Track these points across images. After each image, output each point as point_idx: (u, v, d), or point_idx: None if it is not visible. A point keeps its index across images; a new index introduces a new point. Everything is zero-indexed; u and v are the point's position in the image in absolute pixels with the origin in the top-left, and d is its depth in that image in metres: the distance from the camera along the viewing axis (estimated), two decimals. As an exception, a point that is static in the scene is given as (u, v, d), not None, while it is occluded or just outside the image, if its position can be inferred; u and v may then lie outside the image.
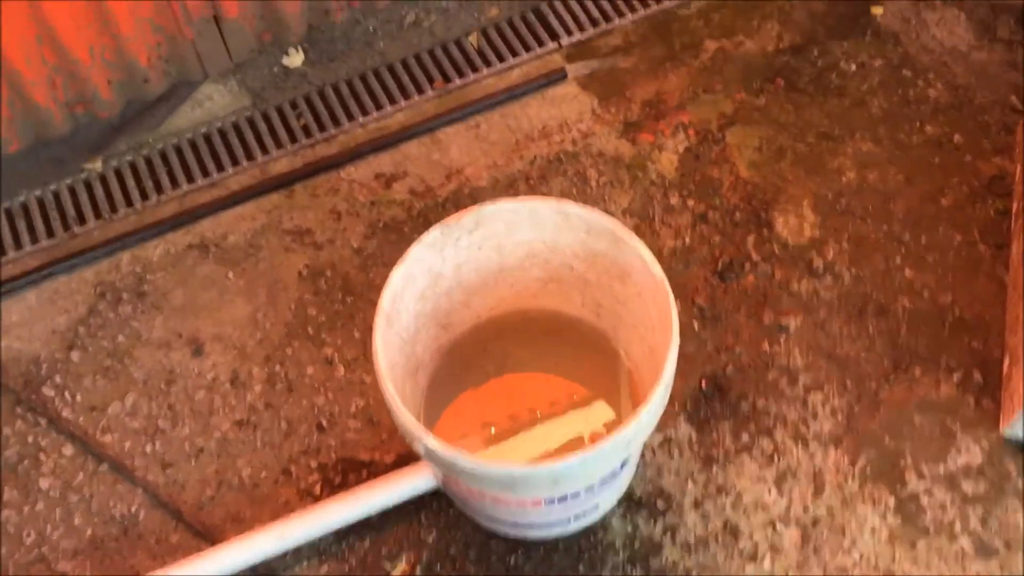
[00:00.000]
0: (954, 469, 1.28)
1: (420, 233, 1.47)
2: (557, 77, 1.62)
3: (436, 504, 1.28)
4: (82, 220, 1.53)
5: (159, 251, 1.49)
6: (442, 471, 1.05)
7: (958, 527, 1.24)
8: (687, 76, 1.62)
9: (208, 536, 1.28)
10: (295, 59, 1.65)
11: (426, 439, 1.00)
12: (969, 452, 1.29)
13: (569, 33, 1.67)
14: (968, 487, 1.26)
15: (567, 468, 0.98)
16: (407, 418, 1.00)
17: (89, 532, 1.29)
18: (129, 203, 1.54)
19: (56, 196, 1.55)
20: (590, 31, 1.67)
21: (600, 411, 1.28)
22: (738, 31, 1.66)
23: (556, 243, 1.18)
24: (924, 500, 1.26)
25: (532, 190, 1.51)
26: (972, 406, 1.32)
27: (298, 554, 1.26)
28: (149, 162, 1.58)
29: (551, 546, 1.26)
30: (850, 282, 1.42)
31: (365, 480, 1.31)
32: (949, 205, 1.47)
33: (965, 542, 1.23)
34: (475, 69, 1.65)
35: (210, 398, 1.37)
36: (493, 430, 1.27)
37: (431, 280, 1.15)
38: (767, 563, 1.23)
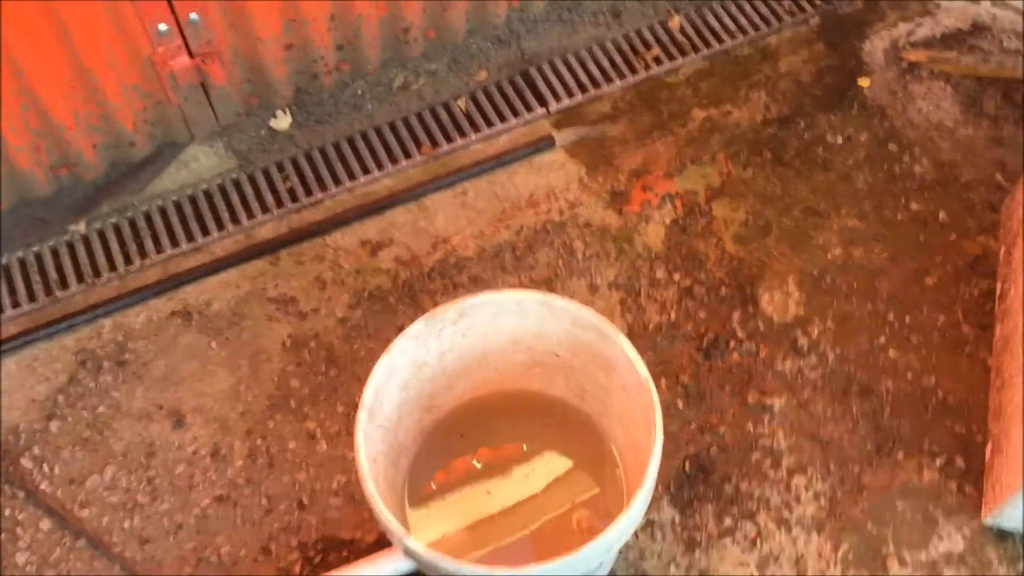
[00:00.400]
0: (936, 557, 1.28)
1: (405, 304, 1.49)
2: (545, 144, 1.62)
3: (417, 585, 1.28)
4: (64, 284, 1.51)
5: (142, 318, 1.48)
6: (423, 570, 1.04)
7: (939, 616, 1.24)
8: (674, 145, 1.62)
9: (186, 615, 1.27)
10: (282, 122, 1.64)
11: (406, 540, 0.99)
12: (951, 539, 1.29)
13: (557, 99, 1.67)
14: (949, 574, 1.26)
15: (548, 571, 0.97)
16: (387, 519, 0.99)
17: (65, 609, 1.28)
18: (112, 267, 1.53)
19: (39, 258, 1.54)
20: (578, 97, 1.68)
21: (584, 484, 1.28)
22: (726, 100, 1.66)
23: (541, 331, 1.17)
24: (906, 588, 1.26)
25: (518, 261, 1.51)
26: (954, 492, 1.32)
27: (276, 635, 1.25)
28: (133, 224, 1.57)
29: (532, 630, 1.25)
30: (834, 362, 1.42)
31: (345, 559, 1.30)
32: (933, 284, 1.47)
33: (946, 632, 1.23)
34: (463, 134, 1.65)
35: (190, 472, 1.36)
36: (477, 507, 1.26)
37: (414, 369, 1.15)
38: (749, 650, 1.23)
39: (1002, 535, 1.28)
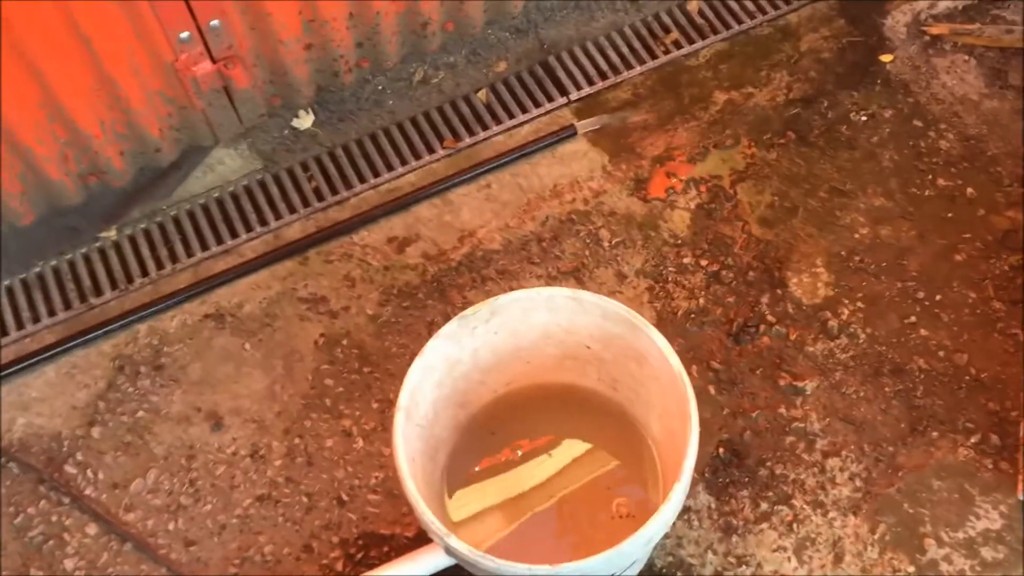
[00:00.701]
0: (973, 535, 1.28)
1: (434, 299, 1.50)
2: (567, 134, 1.62)
3: (457, 578, 1.29)
4: (98, 291, 1.54)
5: (176, 322, 1.50)
6: (465, 567, 1.06)
7: (978, 594, 1.25)
8: (697, 130, 1.62)
9: (232, 614, 1.30)
10: (305, 121, 1.65)
11: (448, 540, 1.00)
12: (988, 517, 1.29)
13: (578, 87, 1.67)
14: (987, 553, 1.27)
15: (588, 567, 0.98)
16: (430, 519, 1.01)
17: (115, 611, 1.31)
18: (145, 272, 1.55)
19: (72, 266, 1.56)
20: (599, 84, 1.67)
21: (619, 472, 1.29)
22: (747, 82, 1.66)
23: (572, 325, 1.18)
24: (944, 567, 1.26)
25: (545, 252, 1.52)
26: (990, 469, 1.32)
27: (322, 630, 1.27)
28: (163, 229, 1.58)
29: (573, 618, 1.26)
30: (865, 342, 1.42)
31: (386, 555, 1.32)
32: (963, 261, 1.47)
33: (986, 609, 1.24)
34: (484, 126, 1.65)
35: (231, 473, 1.38)
36: (514, 497, 1.28)
37: (448, 367, 1.16)
38: (788, 633, 1.24)
39: (1039, 511, 1.29)
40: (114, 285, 1.54)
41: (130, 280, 1.54)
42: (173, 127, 1.53)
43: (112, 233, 1.58)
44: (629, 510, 1.25)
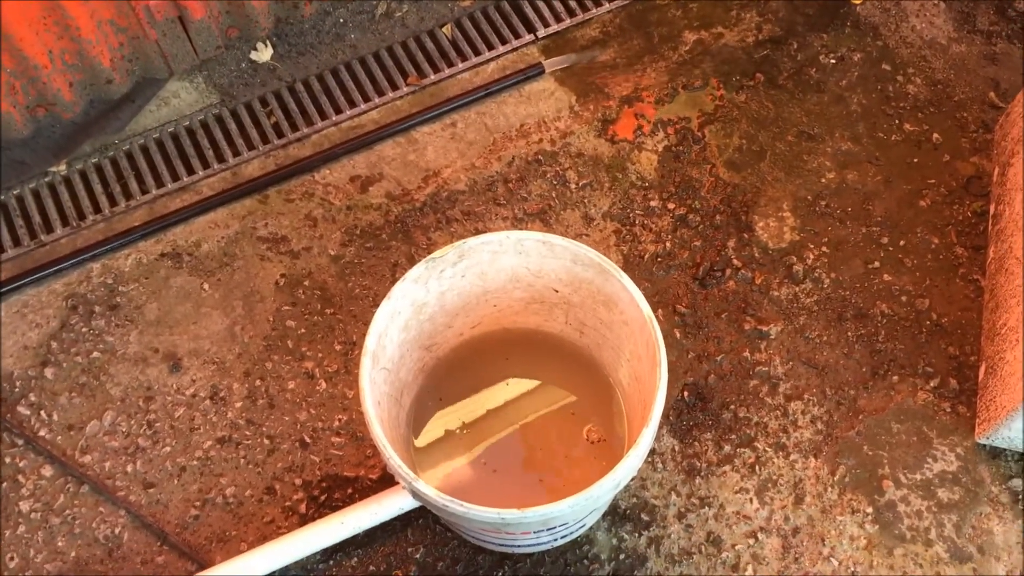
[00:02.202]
0: (930, 476, 1.31)
1: (398, 240, 1.47)
2: (534, 72, 1.59)
3: (422, 520, 1.29)
4: (49, 228, 1.49)
5: (131, 261, 1.46)
6: (432, 511, 1.05)
7: (934, 534, 1.27)
8: (666, 71, 1.59)
9: (194, 556, 1.28)
10: (263, 54, 1.60)
11: (416, 484, 0.99)
12: (945, 459, 1.31)
13: (545, 24, 1.63)
14: (944, 494, 1.29)
15: (557, 511, 0.98)
16: (397, 463, 1.00)
17: (73, 554, 1.28)
18: (97, 209, 1.50)
19: (20, 201, 1.50)
20: (567, 22, 1.64)
21: (586, 412, 1.29)
22: (716, 22, 1.63)
23: (541, 269, 1.17)
24: (901, 508, 1.29)
25: (511, 193, 1.49)
26: (948, 413, 1.34)
27: (284, 572, 1.27)
28: (116, 164, 1.53)
29: (538, 559, 1.27)
30: (829, 287, 1.42)
31: (350, 497, 1.31)
32: (927, 207, 1.47)
33: (940, 548, 1.27)
34: (450, 63, 1.61)
35: (190, 415, 1.36)
36: (479, 441, 1.27)
37: (415, 311, 1.14)
38: (749, 572, 1.26)
39: (994, 453, 1.31)
40: (65, 222, 1.49)
41: (82, 217, 1.49)
42: (125, 58, 1.47)
43: (62, 168, 1.53)
44: (600, 435, 1.25)
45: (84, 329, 1.41)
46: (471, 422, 1.28)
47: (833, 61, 1.59)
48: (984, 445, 1.31)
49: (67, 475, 1.32)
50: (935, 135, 1.52)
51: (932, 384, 1.36)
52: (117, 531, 1.29)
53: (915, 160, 1.51)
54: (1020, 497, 1.29)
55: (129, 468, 1.33)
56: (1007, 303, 1.30)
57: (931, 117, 1.54)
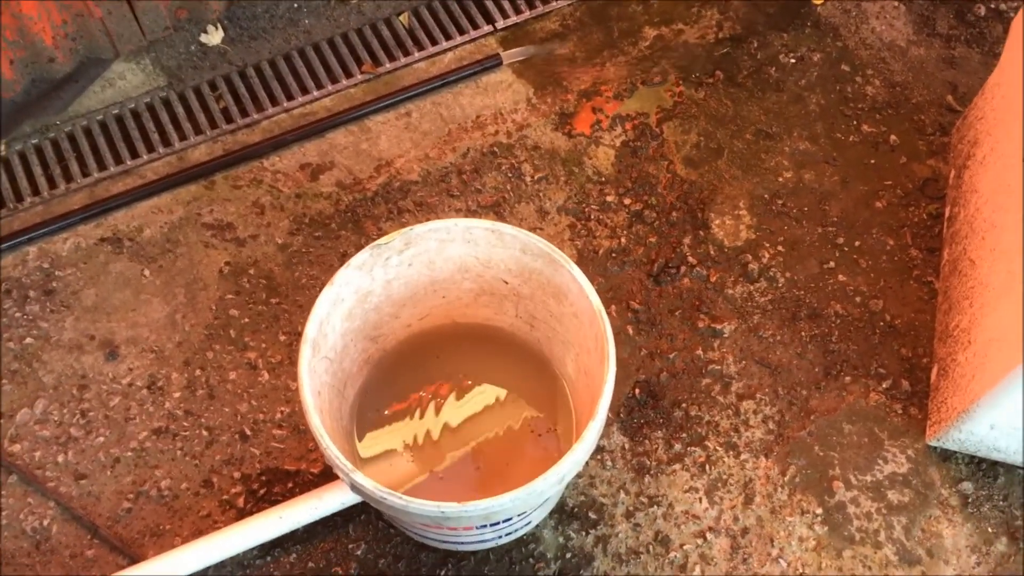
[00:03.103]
0: (880, 478, 1.29)
1: (348, 230, 1.44)
2: (491, 63, 1.56)
3: (364, 515, 1.26)
4: (-16, 209, 1.43)
5: (69, 245, 1.41)
6: (373, 506, 1.02)
7: (883, 536, 1.26)
8: (625, 66, 1.57)
9: (125, 551, 1.24)
10: (214, 37, 1.56)
11: (354, 476, 0.96)
12: (895, 461, 1.30)
13: (505, 15, 1.61)
14: (893, 496, 1.28)
15: (499, 505, 0.95)
16: (334, 454, 0.96)
17: (-2, 547, 1.24)
18: (36, 191, 1.45)
19: (-45, 182, 1.45)
20: (526, 13, 1.61)
21: (533, 418, 1.26)
22: (677, 18, 1.62)
23: (490, 259, 1.14)
24: (851, 509, 1.27)
25: (465, 185, 1.47)
26: (900, 414, 1.33)
27: (220, 568, 1.22)
28: (57, 146, 1.48)
29: (482, 557, 1.24)
30: (784, 286, 1.41)
31: (290, 491, 1.27)
32: (883, 208, 1.47)
33: (889, 551, 1.25)
34: (406, 52, 1.58)
35: (126, 404, 1.31)
36: (424, 440, 1.24)
37: (359, 299, 1.11)
38: (697, 573, 1.24)
39: (945, 456, 1.30)
40: (1, 203, 1.44)
41: (19, 199, 1.44)
42: (68, 36, 1.42)
43: (1, 148, 1.47)
44: (548, 432, 1.23)
45: (17, 314, 1.36)
46: (417, 421, 1.24)
47: (793, 61, 1.58)
48: (935, 447, 1.30)
49: (-6, 465, 1.27)
50: (892, 137, 1.52)
51: (884, 385, 1.35)
52: (46, 523, 1.24)
53: (872, 161, 1.50)
54: (970, 500, 1.28)
55: (60, 458, 1.28)
56: (960, 305, 1.29)
57: (889, 119, 1.53)
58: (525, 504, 0.98)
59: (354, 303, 1.11)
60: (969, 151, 1.39)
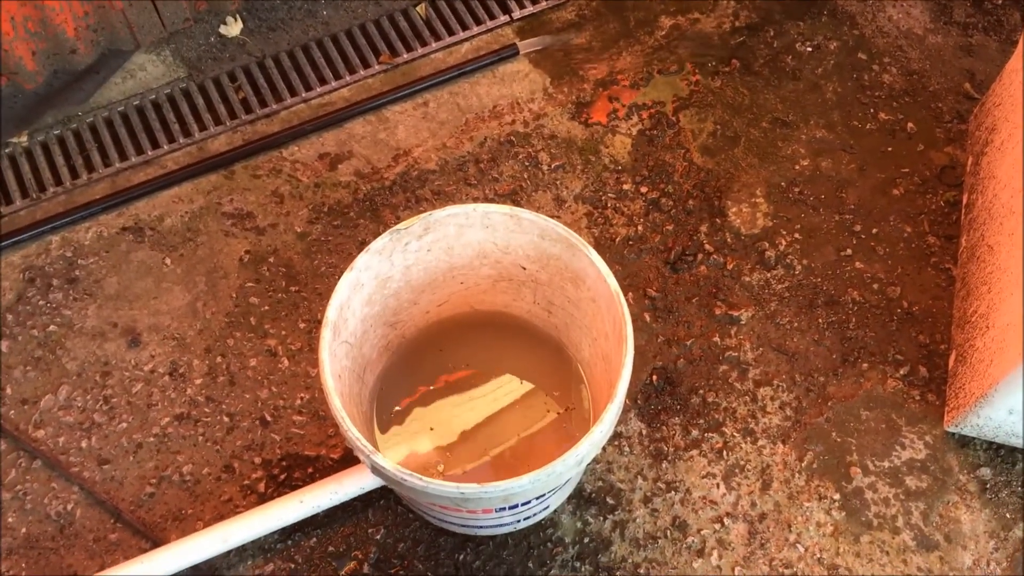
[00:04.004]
0: (898, 464, 1.29)
1: (366, 219, 1.45)
2: (508, 53, 1.57)
3: (383, 501, 1.27)
4: (7, 199, 1.45)
5: (91, 234, 1.42)
6: (391, 486, 1.03)
7: (900, 521, 1.26)
8: (641, 55, 1.58)
9: (148, 534, 1.25)
10: (233, 28, 1.57)
11: (374, 457, 0.97)
12: (913, 447, 1.30)
13: (521, 5, 1.62)
14: (911, 482, 1.28)
15: (518, 486, 0.96)
16: (355, 435, 0.97)
17: (24, 531, 1.25)
18: (58, 181, 1.47)
19: (-21, 172, 1.47)
20: (542, 4, 1.62)
21: (549, 405, 1.27)
22: (693, 7, 1.62)
23: (508, 244, 1.14)
24: (868, 495, 1.27)
25: (482, 174, 1.47)
26: (917, 401, 1.33)
27: (242, 552, 1.24)
28: (79, 136, 1.50)
29: (501, 542, 1.25)
30: (801, 273, 1.41)
31: (310, 476, 1.28)
32: (900, 195, 1.46)
33: (907, 536, 1.25)
34: (423, 43, 1.59)
35: (148, 391, 1.33)
36: (443, 429, 1.25)
37: (379, 284, 1.12)
38: (714, 558, 1.24)
39: (963, 442, 1.30)
40: (25, 194, 1.45)
41: (42, 189, 1.46)
42: (90, 27, 1.44)
43: (23, 139, 1.49)
44: (566, 419, 1.23)
45: (41, 302, 1.38)
46: (434, 413, 1.25)
47: (809, 49, 1.58)
48: (953, 434, 1.30)
49: (19, 450, 1.29)
50: (910, 124, 1.52)
51: (902, 372, 1.35)
52: (69, 508, 1.26)
53: (889, 149, 1.50)
54: (988, 486, 1.28)
55: (84, 444, 1.30)
56: (978, 291, 1.29)
57: (906, 107, 1.53)
58: (544, 486, 0.99)
59: (374, 288, 1.12)
60: (987, 138, 1.39)
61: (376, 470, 0.99)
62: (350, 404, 1.10)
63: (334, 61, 1.57)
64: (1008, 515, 1.26)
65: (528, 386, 1.26)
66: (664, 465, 1.29)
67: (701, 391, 1.33)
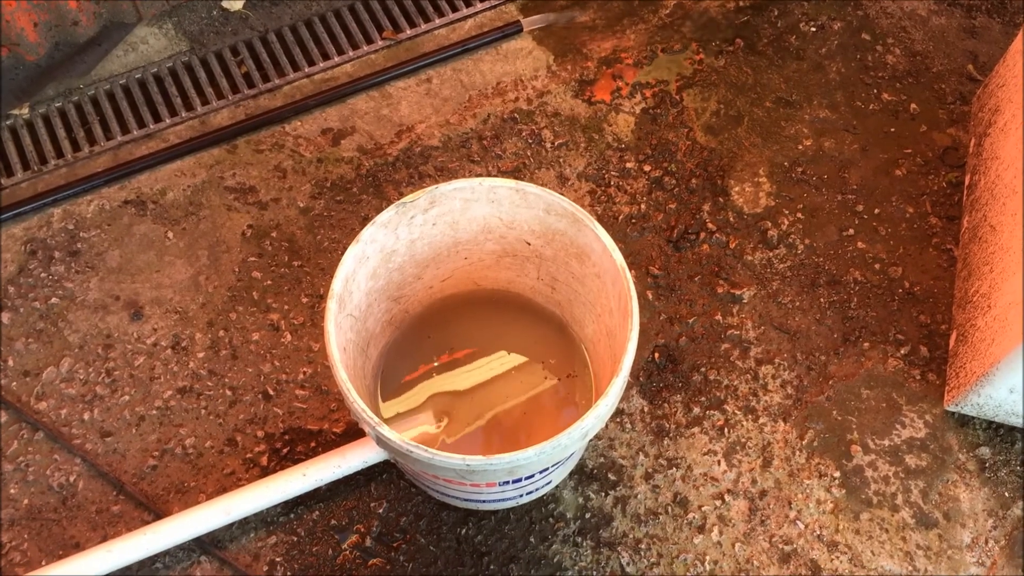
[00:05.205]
0: (898, 443, 1.30)
1: (369, 194, 1.44)
2: (512, 30, 1.56)
3: (386, 475, 1.27)
4: (9, 171, 1.44)
5: (93, 207, 1.42)
6: (396, 458, 1.03)
7: (900, 499, 1.27)
8: (645, 33, 1.57)
9: (151, 506, 1.25)
10: (236, 2, 1.56)
11: (379, 429, 0.97)
12: (913, 426, 1.31)
13: (525, -18, 1.61)
14: (911, 460, 1.29)
15: (524, 458, 0.97)
16: (360, 407, 0.98)
17: (26, 502, 1.25)
18: (60, 154, 1.46)
19: (-20, 144, 1.46)
20: (546, -19, 1.61)
21: (556, 375, 1.27)
22: (698, -14, 1.62)
23: (513, 219, 1.14)
24: (868, 473, 1.28)
25: (486, 151, 1.47)
26: (918, 380, 1.34)
27: (244, 524, 1.24)
28: (80, 109, 1.49)
29: (502, 517, 1.25)
30: (803, 253, 1.41)
31: (313, 450, 1.29)
32: (902, 176, 1.47)
33: (906, 514, 1.26)
34: (426, 18, 1.58)
35: (151, 364, 1.33)
36: (445, 405, 1.25)
37: (384, 258, 1.12)
38: (715, 534, 1.25)
39: (963, 421, 1.31)
40: (26, 166, 1.45)
41: (44, 161, 1.45)
42: (92, -1, 1.43)
43: (24, 111, 1.48)
44: (570, 396, 1.23)
45: (43, 275, 1.37)
46: (438, 384, 1.25)
47: (813, 29, 1.58)
48: (953, 413, 1.31)
49: (21, 421, 1.29)
50: (913, 105, 1.52)
51: (903, 351, 1.35)
52: (72, 479, 1.26)
53: (892, 130, 1.50)
54: (987, 465, 1.29)
55: (86, 416, 1.30)
56: (980, 270, 1.29)
57: (909, 88, 1.53)
58: (549, 459, 0.99)
59: (379, 262, 1.12)
60: (990, 118, 1.39)
61: (381, 442, 0.99)
62: (354, 377, 1.10)
63: (337, 36, 1.56)
64: (1007, 494, 1.27)
65: (531, 362, 1.26)
66: (666, 442, 1.29)
67: (703, 369, 1.34)
